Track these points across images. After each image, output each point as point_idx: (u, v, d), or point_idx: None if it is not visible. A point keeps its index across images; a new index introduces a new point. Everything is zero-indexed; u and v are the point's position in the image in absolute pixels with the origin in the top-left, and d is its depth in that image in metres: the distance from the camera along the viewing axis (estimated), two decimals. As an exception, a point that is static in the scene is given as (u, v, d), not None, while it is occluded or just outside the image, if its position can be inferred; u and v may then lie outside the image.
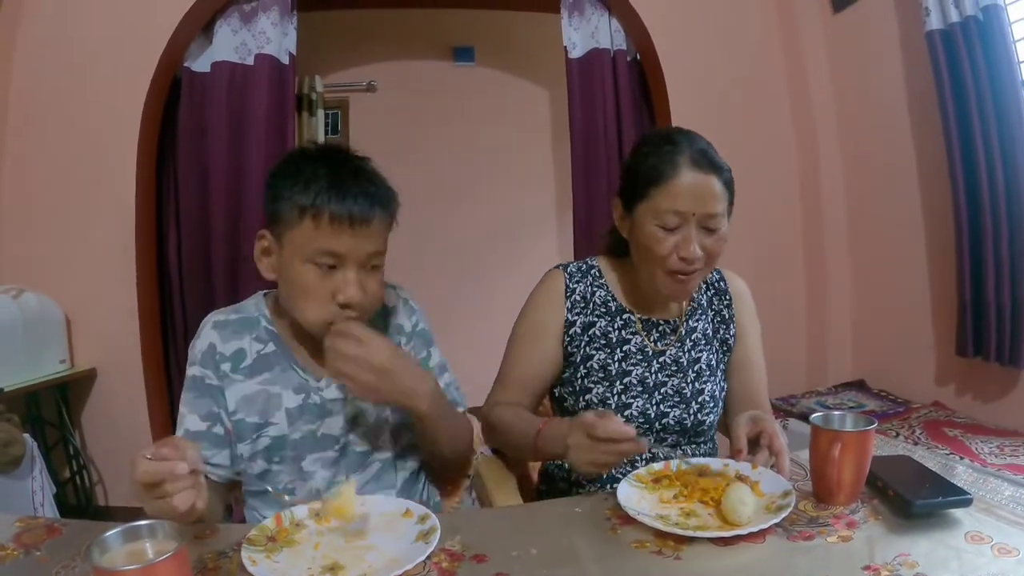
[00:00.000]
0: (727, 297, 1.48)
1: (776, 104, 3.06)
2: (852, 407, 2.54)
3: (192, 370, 1.19)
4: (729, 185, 1.27)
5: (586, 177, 3.11)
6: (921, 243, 2.59)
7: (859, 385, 2.82)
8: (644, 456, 1.29)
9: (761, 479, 1.05)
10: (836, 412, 1.08)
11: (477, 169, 4.63)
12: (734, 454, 1.12)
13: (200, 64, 2.98)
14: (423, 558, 0.86)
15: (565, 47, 3.06)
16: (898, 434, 2.25)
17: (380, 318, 1.28)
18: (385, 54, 4.55)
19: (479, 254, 4.66)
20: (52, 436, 2.73)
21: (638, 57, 3.12)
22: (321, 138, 4.02)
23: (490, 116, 4.64)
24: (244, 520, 1.26)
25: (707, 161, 1.25)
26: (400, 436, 1.28)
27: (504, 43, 4.56)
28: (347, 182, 1.10)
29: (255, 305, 1.26)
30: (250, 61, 2.95)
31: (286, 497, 1.10)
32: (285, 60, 3.00)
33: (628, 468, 1.28)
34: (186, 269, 3.00)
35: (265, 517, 1.03)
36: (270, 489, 1.17)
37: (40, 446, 2.65)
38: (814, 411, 2.49)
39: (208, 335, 1.20)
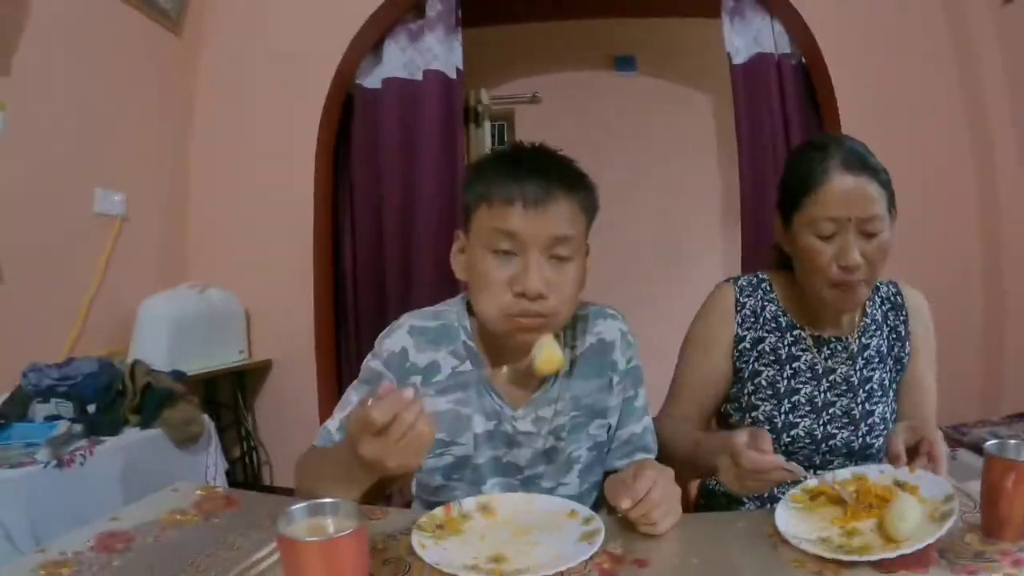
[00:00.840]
0: (903, 312, 1.38)
1: (948, 105, 2.78)
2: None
3: (374, 364, 1.13)
4: (886, 187, 1.20)
5: (754, 187, 2.98)
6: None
7: (1035, 417, 2.52)
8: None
9: (920, 483, 0.97)
10: (1012, 441, 0.96)
11: (641, 180, 4.53)
12: (891, 460, 1.03)
13: (371, 81, 3.16)
14: (586, 557, 0.85)
15: (728, 53, 2.96)
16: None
17: (597, 355, 1.18)
18: (547, 66, 4.62)
19: (643, 268, 4.56)
20: (226, 418, 3.00)
21: (803, 60, 2.97)
22: (488, 149, 4.12)
23: (653, 125, 4.56)
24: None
25: (859, 163, 1.19)
26: (588, 475, 1.19)
27: (665, 51, 4.48)
28: (523, 163, 1.05)
29: (457, 314, 1.17)
30: (419, 77, 3.09)
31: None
32: (453, 74, 3.11)
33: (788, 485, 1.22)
34: (360, 273, 3.18)
35: None
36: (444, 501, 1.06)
37: (215, 427, 2.93)
38: (984, 440, 2.25)
39: (402, 338, 1.13)
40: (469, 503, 1.00)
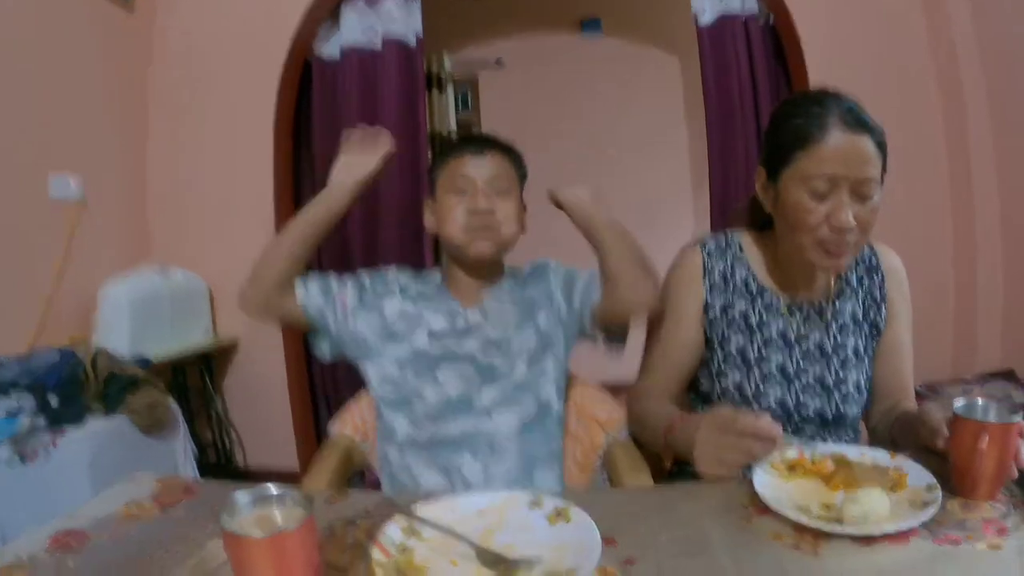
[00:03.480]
0: (879, 274, 1.35)
1: (919, 66, 2.76)
2: (1001, 399, 2.30)
3: (360, 272, 1.44)
4: (882, 148, 1.15)
5: (722, 149, 2.94)
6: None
7: (1008, 375, 2.53)
8: None
9: (904, 469, 0.95)
10: (980, 401, 0.95)
11: (608, 144, 4.51)
12: (934, 436, 0.98)
13: (329, 50, 3.06)
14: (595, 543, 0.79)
15: (694, 14, 2.90)
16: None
17: (536, 272, 1.45)
18: (511, 30, 4.54)
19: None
20: (196, 402, 2.95)
21: (771, 21, 2.92)
22: (452, 116, 4.06)
23: (620, 88, 4.52)
24: (379, 486, 1.38)
25: (858, 121, 1.13)
26: (535, 364, 1.35)
27: (631, 13, 4.41)
28: (470, 136, 1.51)
29: (434, 272, 1.48)
30: (378, 45, 3.00)
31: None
32: (412, 42, 3.02)
33: None
34: (323, 246, 3.05)
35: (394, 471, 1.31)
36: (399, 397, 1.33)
37: (185, 411, 2.86)
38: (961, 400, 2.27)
39: (391, 269, 1.47)
40: (395, 533, 0.84)
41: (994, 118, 2.63)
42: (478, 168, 1.34)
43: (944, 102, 2.70)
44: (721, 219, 2.96)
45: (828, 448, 1.03)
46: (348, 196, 1.33)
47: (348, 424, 1.47)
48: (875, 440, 1.36)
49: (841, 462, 0.98)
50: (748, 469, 0.96)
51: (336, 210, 1.33)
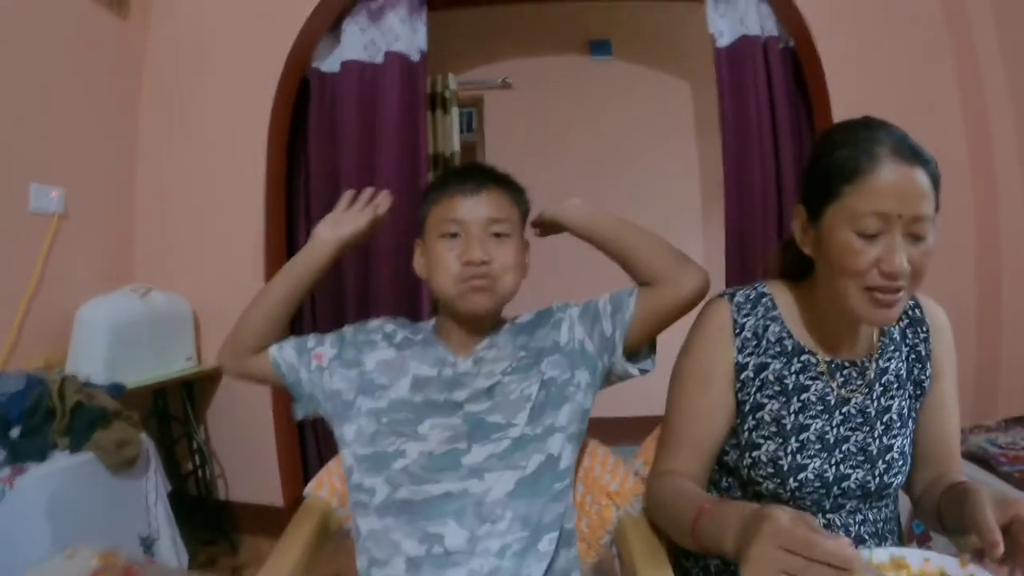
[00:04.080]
0: (924, 329, 1.21)
1: (945, 94, 2.64)
2: (1024, 448, 2.15)
3: (344, 328, 1.35)
4: (936, 181, 1.01)
5: (739, 176, 2.82)
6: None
7: (1031, 421, 2.40)
8: None
9: None
10: None
11: (616, 169, 4.40)
12: (989, 548, 0.83)
13: (329, 64, 2.96)
14: None
15: (711, 35, 2.79)
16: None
17: (538, 316, 1.33)
18: (519, 50, 4.44)
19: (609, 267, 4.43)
20: (176, 431, 2.79)
21: (791, 44, 2.81)
22: (456, 137, 3.95)
23: (629, 112, 4.40)
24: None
25: (911, 151, 1.00)
26: (541, 416, 1.19)
27: (643, 35, 4.32)
28: (463, 170, 1.31)
29: (427, 322, 1.38)
30: (379, 60, 2.90)
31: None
32: (415, 57, 2.92)
33: None
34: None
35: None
36: (377, 450, 1.18)
37: (164, 440, 2.72)
38: (984, 449, 2.10)
39: (377, 320, 1.36)
40: None
41: (1022, 147, 2.50)
42: (472, 210, 1.22)
43: (969, 132, 2.57)
44: (737, 248, 2.84)
45: (885, 554, 0.87)
46: (330, 254, 1.28)
47: (325, 485, 1.31)
48: (919, 512, 1.21)
49: (903, 569, 0.83)
50: None
51: (316, 268, 1.28)
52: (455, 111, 3.97)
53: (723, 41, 2.79)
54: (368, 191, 1.33)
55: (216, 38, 2.87)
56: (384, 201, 1.32)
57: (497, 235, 1.22)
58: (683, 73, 4.33)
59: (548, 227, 1.35)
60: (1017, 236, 2.53)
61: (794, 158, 2.77)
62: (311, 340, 1.31)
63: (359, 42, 2.88)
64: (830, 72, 2.59)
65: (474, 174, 1.26)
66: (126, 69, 2.87)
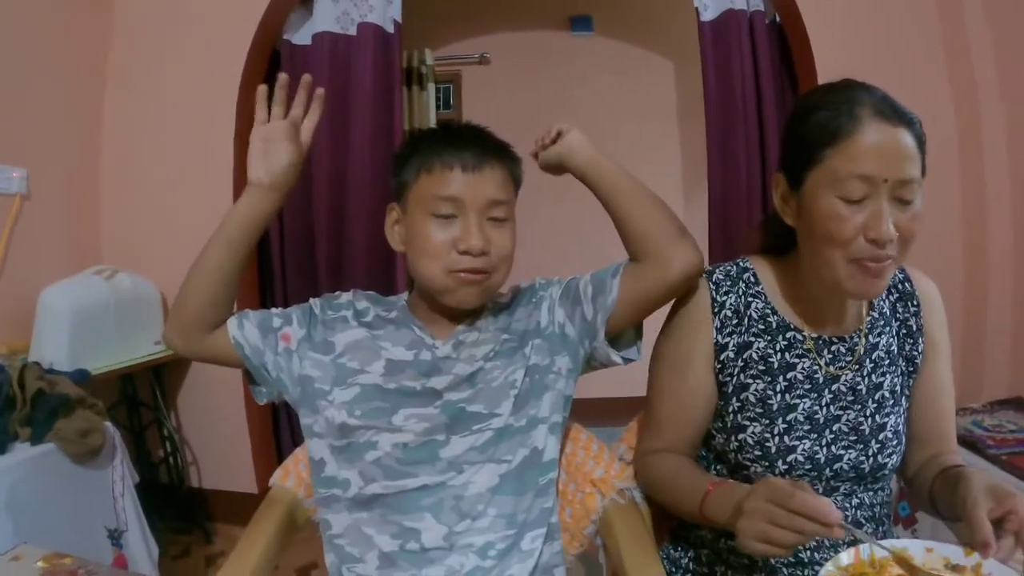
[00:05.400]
0: (915, 302, 1.16)
1: (933, 70, 2.59)
2: (1013, 430, 2.15)
3: (311, 301, 1.22)
4: (922, 143, 0.97)
5: (723, 152, 2.78)
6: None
7: (1018, 403, 2.40)
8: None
9: (986, 571, 0.78)
10: None
11: (597, 147, 4.32)
12: (981, 548, 0.81)
13: (300, 37, 2.85)
14: None
15: (696, 8, 2.73)
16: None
17: (521, 295, 1.24)
18: (498, 25, 4.34)
19: (599, 240, 4.36)
20: (146, 417, 2.71)
21: (777, 19, 2.75)
22: (432, 113, 3.86)
23: (610, 90, 4.32)
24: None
25: (894, 111, 0.95)
26: (525, 406, 1.12)
27: (625, 11, 4.23)
28: (458, 134, 1.13)
29: (399, 296, 1.27)
30: (353, 31, 2.80)
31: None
32: (390, 28, 2.83)
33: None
34: (288, 251, 2.91)
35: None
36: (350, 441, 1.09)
37: (134, 427, 2.64)
38: (971, 432, 2.08)
39: (346, 293, 1.24)
40: None
41: (1011, 126, 2.47)
42: (473, 189, 1.07)
43: (958, 112, 2.53)
44: (720, 227, 2.81)
45: (887, 545, 0.83)
46: (268, 200, 1.11)
47: (292, 475, 1.24)
48: (912, 493, 1.19)
49: (905, 563, 0.79)
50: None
51: (253, 222, 1.11)
52: (431, 87, 3.88)
53: (708, 15, 2.73)
54: (283, 78, 1.11)
55: (183, 11, 2.75)
56: (317, 102, 1.13)
57: (496, 219, 1.10)
58: (666, 50, 4.26)
59: (552, 166, 1.21)
60: (1004, 214, 2.50)
61: (779, 135, 2.72)
62: (276, 318, 1.16)
63: (331, 13, 2.78)
64: (817, 47, 2.54)
65: (473, 142, 1.12)
66: (90, 45, 2.75)
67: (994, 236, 2.53)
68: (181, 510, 2.73)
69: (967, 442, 2.00)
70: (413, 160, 1.12)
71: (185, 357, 1.17)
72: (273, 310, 1.19)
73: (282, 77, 1.10)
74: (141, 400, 2.66)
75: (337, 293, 1.24)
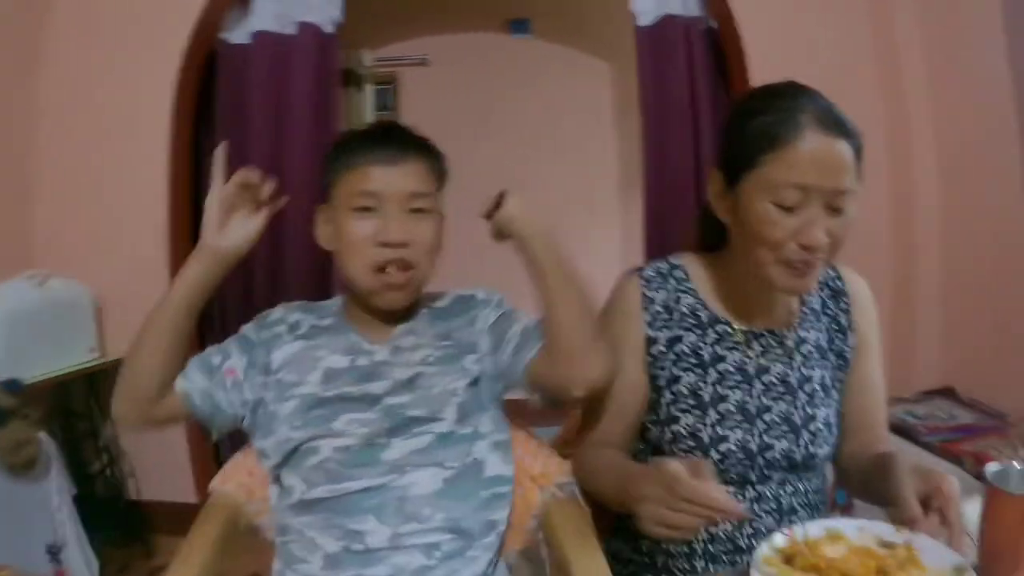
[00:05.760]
0: (845, 299, 1.20)
1: (864, 78, 2.72)
2: (944, 418, 2.26)
3: (243, 328, 1.21)
4: (860, 153, 1.00)
5: (659, 156, 2.82)
6: (1026, 234, 2.22)
7: (948, 393, 2.52)
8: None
9: (917, 545, 0.80)
10: (1016, 466, 0.82)
11: (534, 149, 4.39)
12: (909, 524, 0.84)
13: (239, 35, 2.79)
14: None
15: (633, 13, 2.78)
16: (1000, 452, 1.92)
17: (460, 303, 1.25)
18: (436, 27, 4.35)
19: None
20: (82, 428, 2.62)
21: (712, 25, 2.82)
22: (370, 115, 3.83)
23: (548, 91, 4.40)
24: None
25: (835, 122, 0.98)
26: (468, 416, 1.12)
27: (563, 14, 4.27)
28: (378, 131, 1.19)
29: (333, 301, 1.28)
30: (292, 30, 2.76)
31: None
32: (329, 29, 2.79)
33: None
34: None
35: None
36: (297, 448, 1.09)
37: (68, 439, 2.55)
38: (904, 420, 2.17)
39: (275, 310, 1.24)
40: None
41: (938, 130, 2.60)
42: (391, 182, 1.10)
43: (888, 114, 2.65)
44: (655, 226, 2.86)
45: (819, 527, 0.87)
46: (222, 268, 1.08)
47: (232, 480, 1.22)
48: (844, 483, 1.24)
49: (839, 542, 0.83)
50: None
51: (207, 285, 1.08)
52: (370, 88, 3.86)
53: (645, 20, 2.77)
54: (254, 176, 1.09)
55: (119, 6, 2.67)
56: (279, 200, 1.13)
57: (417, 210, 1.12)
58: (603, 53, 4.34)
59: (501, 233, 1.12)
60: (932, 208, 2.63)
61: (713, 138, 2.80)
62: (215, 356, 1.15)
63: (270, 11, 2.73)
64: (751, 53, 2.63)
65: (392, 138, 1.15)
66: (22, 39, 2.64)
67: (922, 230, 2.65)
68: (120, 523, 2.64)
69: (901, 430, 2.09)
70: (338, 160, 1.15)
71: (136, 428, 1.12)
72: (208, 349, 1.17)
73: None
74: (75, 410, 2.57)
75: (266, 312, 1.23)
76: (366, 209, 1.10)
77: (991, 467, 0.80)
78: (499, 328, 1.18)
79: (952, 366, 2.61)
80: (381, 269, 1.10)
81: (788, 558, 0.81)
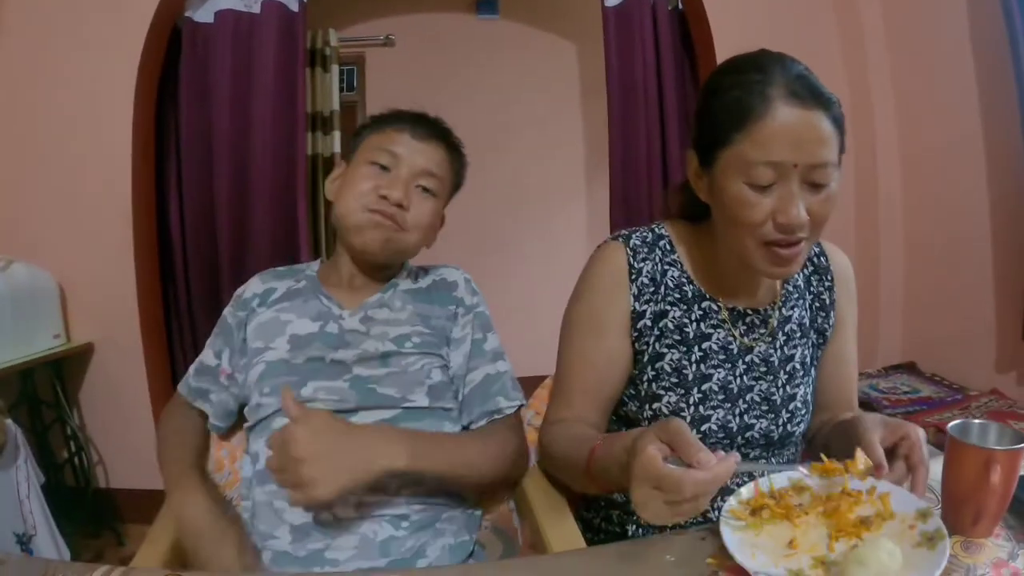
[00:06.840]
0: (828, 277, 1.18)
1: (829, 56, 2.75)
2: (906, 391, 2.32)
3: (225, 310, 1.25)
4: (839, 124, 0.94)
5: (623, 135, 2.84)
6: (985, 215, 2.29)
7: (910, 368, 2.60)
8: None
9: (884, 492, 0.81)
10: (975, 421, 0.84)
11: (501, 129, 4.36)
12: (875, 471, 0.82)
13: (203, 14, 2.73)
14: None
15: (600, -7, 2.79)
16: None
17: (441, 289, 1.26)
18: (403, 7, 4.30)
19: (503, 219, 4.44)
20: (48, 416, 2.55)
21: (680, 6, 2.84)
22: (336, 96, 3.77)
23: (515, 72, 4.39)
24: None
25: (809, 91, 0.91)
26: (440, 399, 1.15)
27: (529, -6, 4.28)
28: (422, 114, 1.26)
29: (310, 264, 1.31)
30: (256, 9, 2.71)
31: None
32: (295, 7, 2.75)
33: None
34: (189, 236, 2.78)
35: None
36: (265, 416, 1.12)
37: (35, 427, 2.49)
38: (867, 394, 2.23)
39: (251, 282, 1.26)
40: None
41: (899, 110, 2.66)
42: (413, 151, 1.18)
43: (852, 92, 2.70)
44: (621, 206, 2.88)
45: (784, 475, 0.87)
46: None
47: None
48: (811, 450, 1.21)
49: (804, 491, 0.84)
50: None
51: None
52: (335, 68, 3.80)
53: (612, 0, 2.78)
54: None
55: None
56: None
57: (424, 189, 1.19)
58: (569, 34, 4.34)
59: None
60: (895, 187, 2.69)
61: (679, 119, 2.83)
62: (207, 358, 1.23)
63: (235, -10, 2.68)
64: (717, 35, 2.64)
65: (430, 122, 1.23)
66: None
67: (885, 209, 2.72)
68: (90, 512, 2.60)
69: (864, 403, 2.16)
70: (373, 124, 1.23)
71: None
72: (201, 357, 1.24)
73: None
74: (41, 398, 2.51)
75: (242, 288, 1.27)
76: (382, 167, 1.16)
77: (953, 424, 0.83)
78: (470, 356, 1.21)
79: (914, 342, 2.70)
80: (372, 213, 1.14)
81: (755, 510, 0.82)
